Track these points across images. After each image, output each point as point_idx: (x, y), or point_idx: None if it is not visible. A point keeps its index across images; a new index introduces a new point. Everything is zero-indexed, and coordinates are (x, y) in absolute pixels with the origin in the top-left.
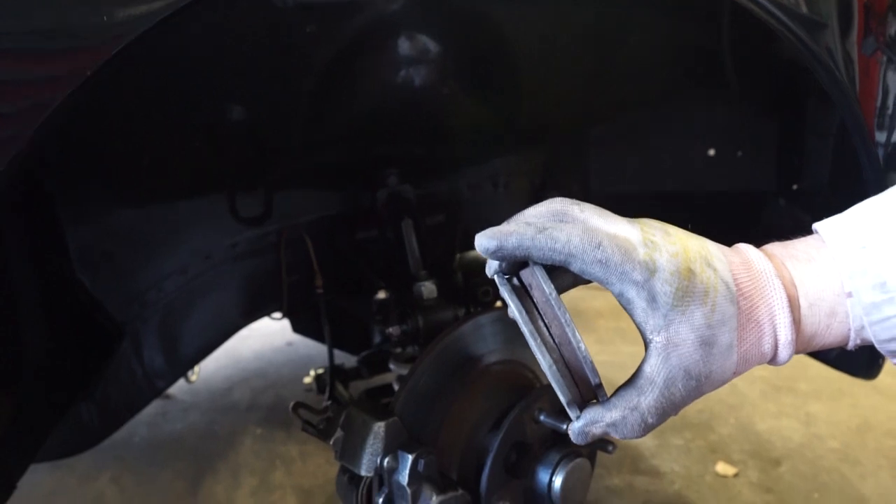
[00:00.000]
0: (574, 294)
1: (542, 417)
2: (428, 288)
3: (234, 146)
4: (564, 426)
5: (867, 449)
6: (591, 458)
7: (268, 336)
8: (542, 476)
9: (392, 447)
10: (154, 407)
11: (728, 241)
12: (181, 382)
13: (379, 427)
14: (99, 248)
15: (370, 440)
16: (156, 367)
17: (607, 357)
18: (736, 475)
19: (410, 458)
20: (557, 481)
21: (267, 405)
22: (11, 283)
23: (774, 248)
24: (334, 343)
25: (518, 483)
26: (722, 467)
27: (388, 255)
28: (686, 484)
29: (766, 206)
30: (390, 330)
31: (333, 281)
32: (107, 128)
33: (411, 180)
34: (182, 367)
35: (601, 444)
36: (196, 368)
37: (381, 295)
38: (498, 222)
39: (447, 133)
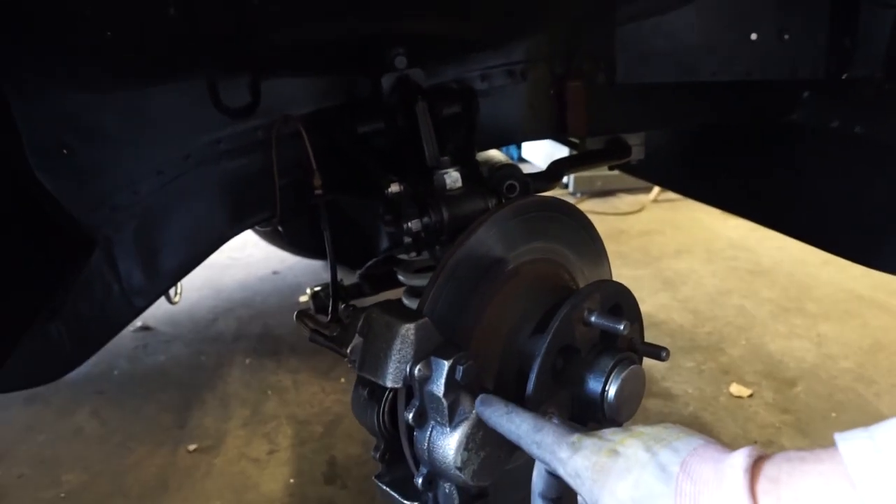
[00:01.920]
0: None
1: (593, 319)
2: (452, 176)
3: (209, 9)
4: (622, 327)
5: (881, 368)
6: None
7: (252, 265)
8: (594, 384)
9: (423, 353)
10: (133, 339)
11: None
12: (160, 313)
13: (407, 329)
14: (58, 140)
15: (397, 345)
16: (133, 281)
17: None
18: (751, 396)
19: (446, 364)
20: (612, 390)
21: (255, 335)
22: None
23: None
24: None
25: (564, 393)
26: (736, 388)
27: (398, 147)
28: (701, 405)
29: (805, 102)
30: (409, 224)
31: (332, 182)
32: None
33: (418, 64)
34: (163, 282)
35: (653, 350)
36: (179, 288)
37: (394, 188)
38: (515, 118)
39: (458, 4)
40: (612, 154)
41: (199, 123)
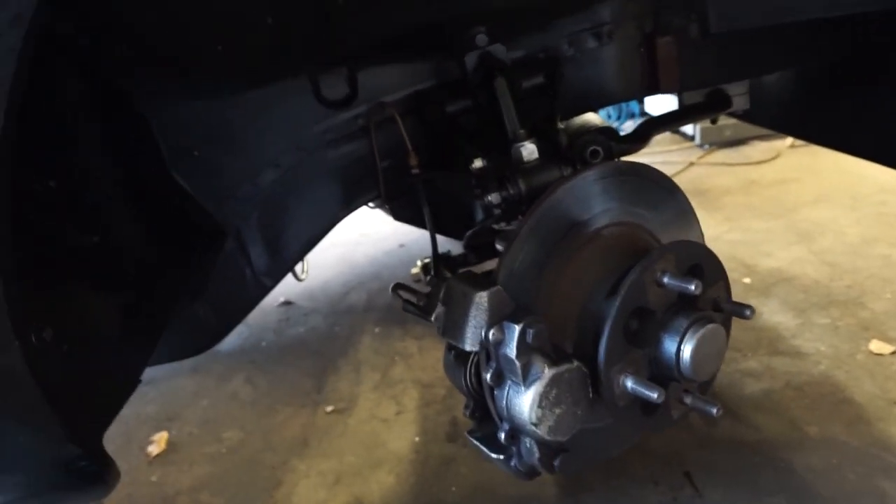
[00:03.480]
0: (697, 172)
1: (665, 280)
2: (528, 149)
3: (301, 15)
4: (692, 287)
5: None
6: (727, 329)
7: (380, 241)
8: (669, 345)
9: (497, 318)
10: (277, 314)
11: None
12: (300, 289)
13: (481, 297)
14: (188, 144)
15: (472, 312)
16: (262, 264)
17: (738, 235)
18: (894, 353)
19: (517, 328)
20: (687, 350)
21: (383, 306)
22: (98, 186)
23: None
24: (439, 229)
25: (641, 353)
26: (877, 345)
27: (482, 123)
28: (834, 364)
29: None
30: (489, 198)
31: (428, 160)
32: (166, 14)
33: (502, 39)
34: (288, 262)
35: (737, 308)
36: (305, 266)
37: (478, 163)
38: (605, 80)
39: None
40: (711, 107)
41: (306, 117)
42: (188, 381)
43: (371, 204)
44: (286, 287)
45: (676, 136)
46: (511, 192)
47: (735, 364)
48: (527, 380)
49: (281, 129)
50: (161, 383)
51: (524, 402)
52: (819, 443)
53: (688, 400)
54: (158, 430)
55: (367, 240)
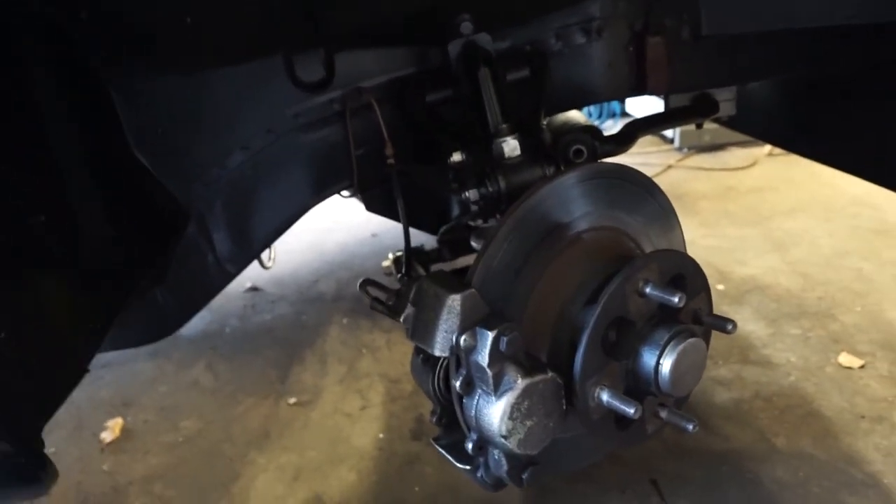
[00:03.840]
0: (675, 175)
1: (647, 290)
2: (510, 145)
3: None
4: (676, 299)
5: None
6: (705, 340)
7: (352, 228)
8: (648, 358)
9: (469, 323)
10: (243, 299)
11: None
12: (267, 275)
13: (453, 300)
14: (152, 123)
15: (444, 315)
16: (225, 250)
17: (713, 241)
18: (862, 367)
19: (491, 335)
20: (666, 364)
21: (352, 296)
22: (58, 160)
23: None
24: (412, 223)
25: (619, 366)
26: (846, 358)
27: (463, 115)
28: (803, 375)
29: None
30: (467, 194)
31: (405, 151)
32: None
33: (488, 28)
34: (253, 249)
35: (719, 322)
36: (272, 254)
37: (457, 157)
38: (592, 77)
39: None
40: (697, 111)
41: (279, 99)
42: (146, 366)
43: (345, 192)
44: (253, 272)
45: (655, 138)
46: (490, 189)
47: (706, 371)
48: (498, 390)
49: (252, 111)
50: (117, 367)
51: (494, 412)
52: (786, 455)
53: (663, 414)
54: (113, 416)
55: (339, 227)
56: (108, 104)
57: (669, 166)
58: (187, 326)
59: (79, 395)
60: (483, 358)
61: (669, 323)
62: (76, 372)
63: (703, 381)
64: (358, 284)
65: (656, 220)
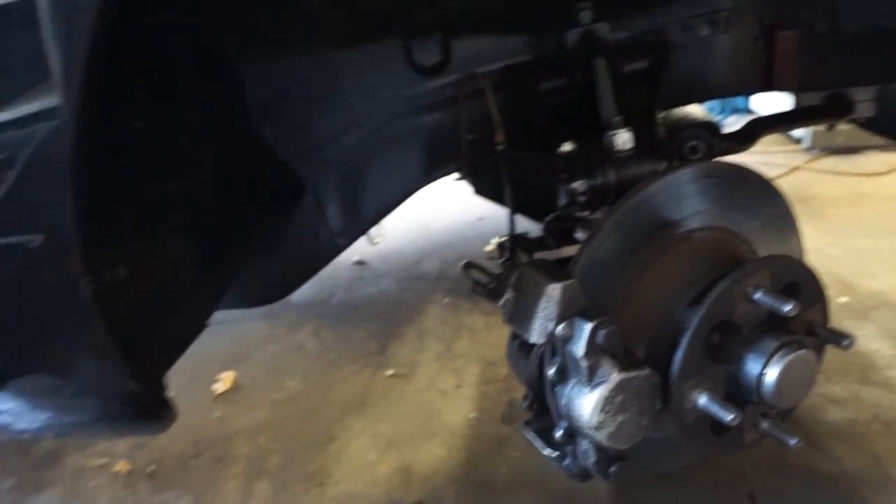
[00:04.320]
0: (802, 178)
1: (757, 295)
2: (622, 137)
3: None
4: (787, 308)
5: None
6: (820, 357)
7: (460, 211)
8: (753, 366)
9: (568, 313)
10: (350, 272)
11: None
12: (375, 251)
13: (553, 289)
14: (275, 101)
15: (543, 303)
16: (337, 224)
17: (839, 250)
18: None
19: (589, 326)
20: (771, 374)
21: (455, 277)
22: (185, 135)
23: None
24: (519, 209)
25: (720, 370)
26: None
27: (576, 105)
28: None
29: None
30: (575, 185)
31: (516, 138)
32: None
33: (608, 17)
34: (363, 225)
35: (834, 336)
36: (380, 231)
37: (567, 147)
38: (716, 71)
39: None
40: (829, 112)
41: (395, 82)
42: (259, 326)
43: (454, 175)
44: (361, 247)
45: (782, 138)
46: (599, 181)
47: (818, 387)
48: (592, 381)
49: (370, 91)
50: (233, 325)
51: (586, 403)
52: None
53: (764, 425)
54: (226, 369)
55: (446, 209)
56: (237, 83)
57: (796, 168)
58: (298, 293)
59: (198, 347)
60: (579, 349)
61: (779, 332)
62: (196, 327)
63: (813, 398)
64: (461, 266)
65: (774, 225)
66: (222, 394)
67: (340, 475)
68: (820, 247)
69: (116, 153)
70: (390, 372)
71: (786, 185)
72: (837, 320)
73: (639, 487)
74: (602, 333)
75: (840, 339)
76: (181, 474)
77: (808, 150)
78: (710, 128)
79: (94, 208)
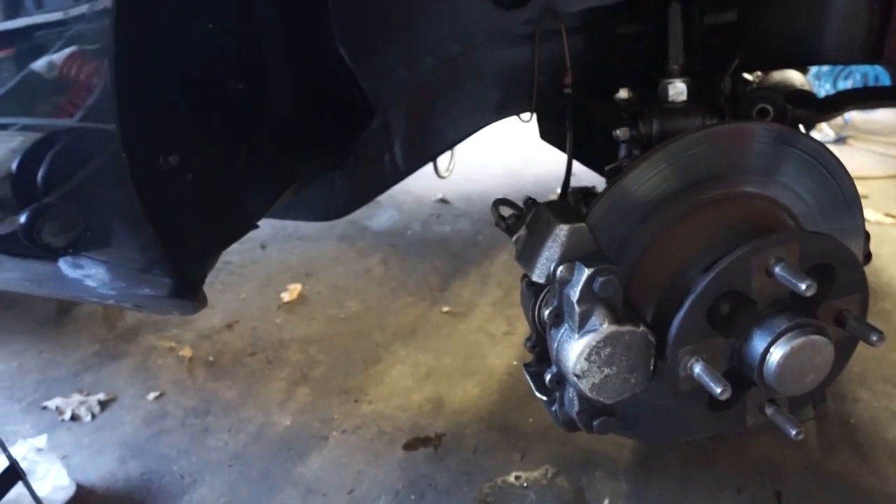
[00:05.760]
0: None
1: (777, 269)
2: (676, 87)
3: None
4: (803, 286)
5: None
6: (843, 354)
7: (551, 164)
8: (759, 342)
9: (570, 256)
10: (431, 208)
11: None
12: (461, 190)
13: (560, 229)
14: (356, 20)
15: (549, 243)
16: (402, 150)
17: None
18: None
19: (587, 272)
20: (776, 354)
21: None
22: (256, 39)
23: None
24: (584, 159)
25: (724, 343)
26: None
27: (649, 52)
28: None
29: None
30: (618, 132)
31: (589, 83)
32: None
33: None
34: (428, 154)
35: (864, 329)
36: (451, 165)
37: (623, 93)
38: (814, 33)
39: None
40: None
41: (474, 12)
42: (332, 246)
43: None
44: (446, 185)
45: None
46: (642, 130)
47: (888, 400)
48: (582, 328)
49: (447, 18)
50: (310, 242)
51: (573, 350)
52: None
53: (769, 411)
54: (295, 281)
55: (539, 160)
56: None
57: None
58: (376, 221)
59: (274, 258)
60: (574, 293)
61: (794, 311)
62: (244, 224)
63: (879, 409)
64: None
65: (832, 204)
66: (287, 303)
67: (375, 395)
68: None
69: (182, 52)
70: (446, 309)
71: None
72: None
73: (660, 463)
74: (599, 281)
75: (869, 333)
76: (235, 368)
77: None
78: (798, 94)
79: (150, 100)
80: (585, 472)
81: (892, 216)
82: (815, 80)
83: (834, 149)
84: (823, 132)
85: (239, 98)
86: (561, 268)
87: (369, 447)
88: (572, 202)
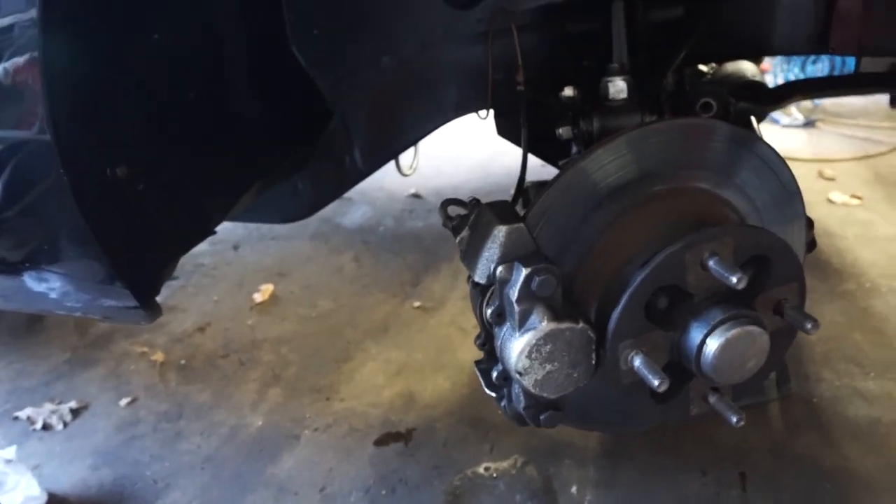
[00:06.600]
0: None
1: (711, 262)
2: (616, 86)
3: None
4: (734, 279)
5: None
6: (783, 342)
7: (519, 156)
8: (695, 334)
9: (509, 256)
10: (403, 203)
11: None
12: (431, 185)
13: (500, 230)
14: (311, 23)
15: (488, 244)
16: (362, 150)
17: None
18: None
19: (525, 272)
20: (712, 345)
21: None
22: (221, 48)
23: None
24: (541, 154)
25: (663, 336)
26: None
27: (598, 49)
28: None
29: None
30: (560, 130)
31: (540, 80)
32: None
33: None
34: (387, 153)
35: (799, 317)
36: (414, 163)
37: (568, 91)
38: (764, 26)
39: None
40: (887, 81)
41: (429, 13)
42: (305, 245)
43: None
44: (418, 180)
45: (892, 113)
46: (584, 128)
47: (849, 379)
48: (522, 327)
49: (402, 19)
50: (283, 242)
51: (514, 348)
52: None
53: (712, 399)
54: (268, 281)
55: (510, 152)
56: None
57: None
58: (348, 218)
59: (247, 259)
60: (513, 293)
61: (730, 304)
62: (200, 231)
63: (842, 388)
64: (440, 203)
65: (774, 198)
66: (260, 304)
67: (347, 393)
68: None
69: (125, 62)
70: (418, 304)
71: (882, 164)
72: None
73: (627, 451)
74: (537, 280)
75: (804, 321)
76: (208, 371)
77: None
78: (748, 87)
79: (90, 110)
80: (553, 461)
81: (859, 198)
82: (784, 65)
83: (803, 132)
84: (793, 116)
85: (194, 105)
86: (500, 268)
87: (341, 444)
88: (532, 196)
